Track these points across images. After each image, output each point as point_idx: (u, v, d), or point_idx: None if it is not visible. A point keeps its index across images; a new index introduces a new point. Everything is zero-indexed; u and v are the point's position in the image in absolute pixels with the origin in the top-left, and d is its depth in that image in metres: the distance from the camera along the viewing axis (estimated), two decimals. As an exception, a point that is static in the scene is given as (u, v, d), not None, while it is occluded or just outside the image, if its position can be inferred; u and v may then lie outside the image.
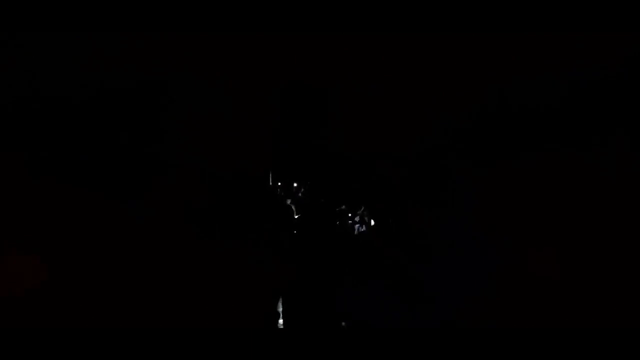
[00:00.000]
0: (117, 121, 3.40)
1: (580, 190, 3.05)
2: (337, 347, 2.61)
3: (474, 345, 2.59)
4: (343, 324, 2.98)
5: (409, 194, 3.58)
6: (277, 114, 3.76)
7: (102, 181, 3.22)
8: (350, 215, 3.74)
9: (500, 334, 2.62)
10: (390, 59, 3.51)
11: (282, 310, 3.08)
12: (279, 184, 3.88)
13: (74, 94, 3.29)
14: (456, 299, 2.87)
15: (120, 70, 3.38)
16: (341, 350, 2.59)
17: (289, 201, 3.80)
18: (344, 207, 3.71)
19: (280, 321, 3.06)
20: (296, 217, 3.59)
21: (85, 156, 3.25)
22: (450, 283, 2.94)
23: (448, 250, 3.11)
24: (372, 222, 3.64)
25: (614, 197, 2.96)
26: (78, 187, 3.09)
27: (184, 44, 3.36)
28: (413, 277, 3.02)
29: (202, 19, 3.12)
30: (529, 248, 2.99)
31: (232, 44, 3.42)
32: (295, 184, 3.95)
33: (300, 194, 3.92)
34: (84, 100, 3.33)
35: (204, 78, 3.52)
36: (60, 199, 3.01)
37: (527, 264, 2.95)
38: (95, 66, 3.29)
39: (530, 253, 2.98)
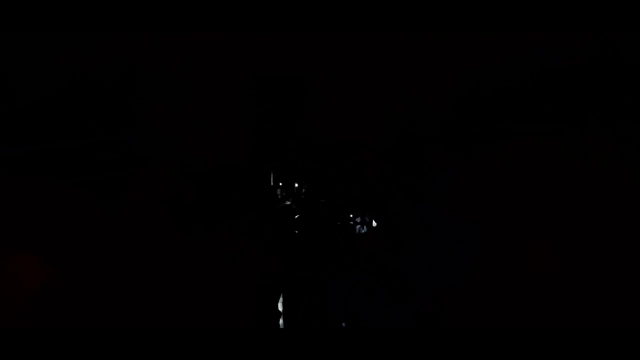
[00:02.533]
0: (95, 117, 3.38)
1: (562, 177, 3.11)
2: (335, 348, 2.60)
3: (466, 341, 2.61)
4: (343, 324, 2.97)
5: (388, 183, 3.61)
6: (255, 105, 3.76)
7: (83, 177, 3.21)
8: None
9: (489, 328, 2.64)
10: (366, 51, 3.51)
11: (283, 310, 3.07)
12: (280, 184, 3.89)
13: (53, 92, 3.25)
14: (441, 288, 2.91)
15: (101, 67, 3.35)
16: (340, 350, 2.59)
17: (279, 194, 3.82)
18: (322, 200, 3.72)
19: (281, 321, 3.04)
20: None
21: (65, 153, 3.23)
22: (434, 273, 2.98)
23: (429, 239, 3.15)
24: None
25: (593, 184, 3.02)
26: (59, 184, 3.06)
27: (167, 40, 3.34)
28: (398, 269, 3.04)
29: (180, 14, 3.10)
30: (512, 236, 3.04)
31: (211, 38, 3.40)
32: (280, 180, 3.97)
33: (285, 189, 3.94)
34: (65, 97, 3.30)
35: (182, 72, 3.51)
36: (41, 196, 2.98)
37: (512, 252, 3.00)
38: (74, 63, 3.26)
39: (514, 241, 3.02)
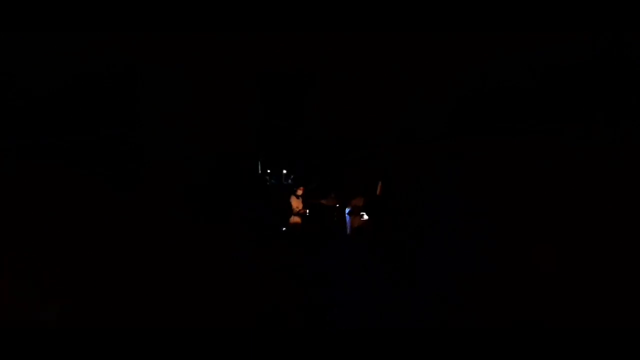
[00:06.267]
0: (106, 112, 3.41)
1: (567, 175, 3.09)
2: (332, 347, 2.56)
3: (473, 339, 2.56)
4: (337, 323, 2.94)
5: (393, 177, 3.61)
6: (260, 101, 3.77)
7: (95, 170, 3.23)
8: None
9: (496, 326, 2.58)
10: (372, 49, 3.50)
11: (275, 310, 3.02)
12: (268, 171, 3.95)
13: (59, 89, 3.28)
14: (449, 282, 2.89)
15: (113, 64, 3.38)
16: (337, 350, 2.55)
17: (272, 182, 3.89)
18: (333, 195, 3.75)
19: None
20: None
21: (79, 146, 3.26)
22: (441, 266, 2.97)
23: (435, 234, 3.13)
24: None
25: (598, 181, 3.00)
26: (71, 176, 3.09)
27: (177, 41, 3.35)
28: (410, 256, 3.03)
29: (190, 14, 3.12)
30: (519, 232, 3.02)
31: (219, 37, 3.41)
32: (284, 171, 4.02)
33: (289, 180, 3.99)
34: (72, 95, 3.32)
35: (187, 70, 3.53)
36: (53, 188, 3.00)
37: (518, 248, 2.98)
38: (84, 60, 3.28)
39: (520, 237, 3.01)
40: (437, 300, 2.81)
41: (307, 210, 4.15)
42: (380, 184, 3.72)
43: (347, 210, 3.94)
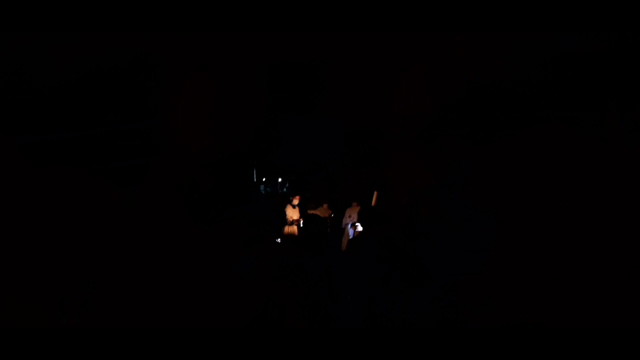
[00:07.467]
0: (112, 107, 3.41)
1: (578, 164, 3.07)
2: (332, 347, 2.56)
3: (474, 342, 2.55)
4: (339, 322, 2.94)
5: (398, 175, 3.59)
6: (260, 101, 3.77)
7: (91, 172, 3.24)
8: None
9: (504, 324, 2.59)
10: (369, 50, 3.49)
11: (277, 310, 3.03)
12: (263, 179, 3.96)
13: (59, 89, 3.29)
14: (456, 277, 2.88)
15: (119, 60, 3.38)
16: (337, 350, 2.55)
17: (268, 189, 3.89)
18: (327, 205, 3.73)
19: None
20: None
21: (84, 142, 3.27)
22: (449, 261, 2.96)
23: (444, 227, 3.12)
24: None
25: (611, 170, 2.98)
26: (78, 173, 3.10)
27: (170, 39, 3.35)
28: (413, 255, 3.02)
29: (181, 12, 3.11)
30: (528, 224, 3.01)
31: (215, 37, 3.41)
32: (280, 179, 4.03)
33: (285, 188, 3.99)
34: (72, 95, 3.33)
35: (188, 70, 3.53)
36: (60, 184, 3.01)
37: (527, 241, 2.97)
38: (91, 56, 3.29)
39: (530, 229, 2.99)
40: (437, 300, 2.80)
41: (302, 221, 4.11)
42: (375, 193, 3.71)
43: (343, 221, 3.93)
